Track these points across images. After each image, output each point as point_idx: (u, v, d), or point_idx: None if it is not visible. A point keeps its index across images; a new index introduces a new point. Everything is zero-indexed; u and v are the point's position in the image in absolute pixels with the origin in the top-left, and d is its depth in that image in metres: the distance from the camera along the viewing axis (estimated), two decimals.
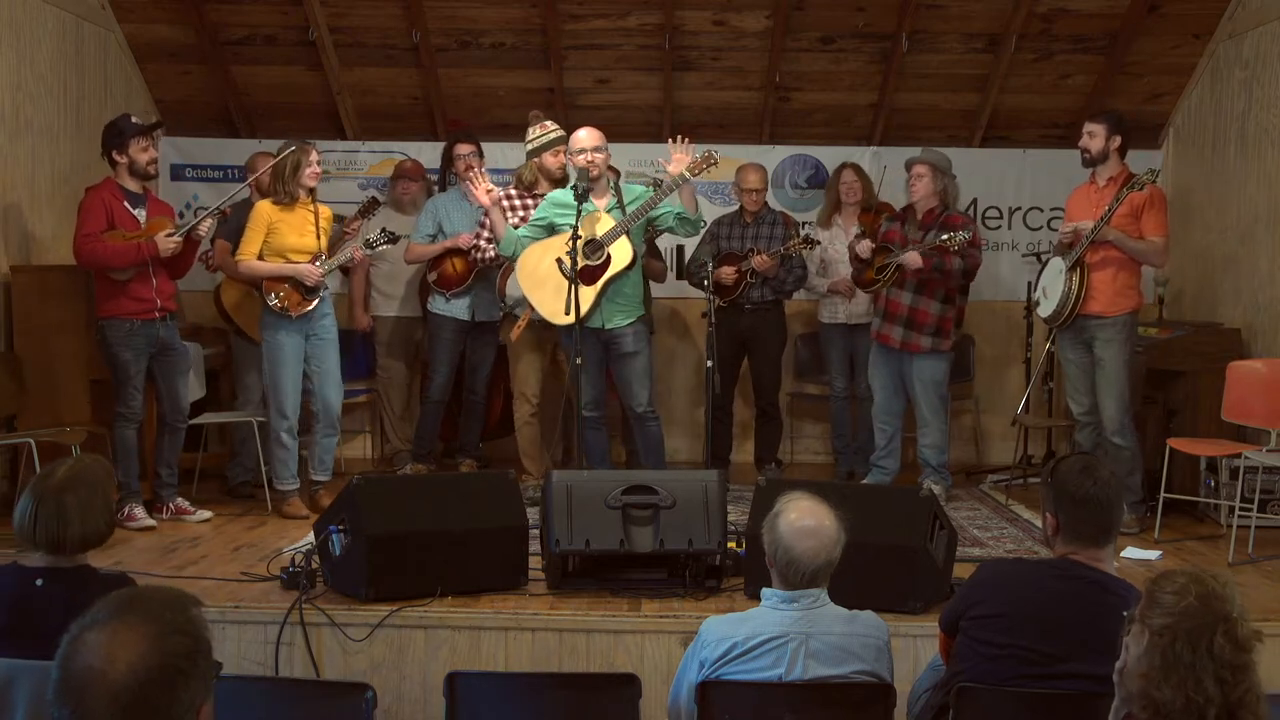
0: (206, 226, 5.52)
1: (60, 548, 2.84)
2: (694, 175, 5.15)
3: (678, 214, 5.22)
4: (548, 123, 5.79)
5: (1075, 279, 5.37)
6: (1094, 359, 5.43)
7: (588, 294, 5.12)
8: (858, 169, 6.64)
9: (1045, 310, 5.59)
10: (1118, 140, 5.39)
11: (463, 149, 6.35)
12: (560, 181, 5.73)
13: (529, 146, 5.78)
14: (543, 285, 5.27)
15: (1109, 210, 5.27)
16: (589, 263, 5.17)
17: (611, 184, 5.40)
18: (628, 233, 5.20)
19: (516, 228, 5.58)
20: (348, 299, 6.77)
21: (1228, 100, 6.52)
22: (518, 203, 5.82)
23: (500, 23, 6.78)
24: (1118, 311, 5.37)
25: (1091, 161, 5.44)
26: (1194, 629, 1.82)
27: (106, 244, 5.17)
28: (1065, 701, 2.59)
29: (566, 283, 5.06)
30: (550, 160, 5.73)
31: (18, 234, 5.82)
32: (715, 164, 5.17)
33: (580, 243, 5.05)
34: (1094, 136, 5.40)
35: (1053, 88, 7.08)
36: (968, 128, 7.28)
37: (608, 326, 5.29)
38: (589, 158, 5.23)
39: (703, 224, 5.49)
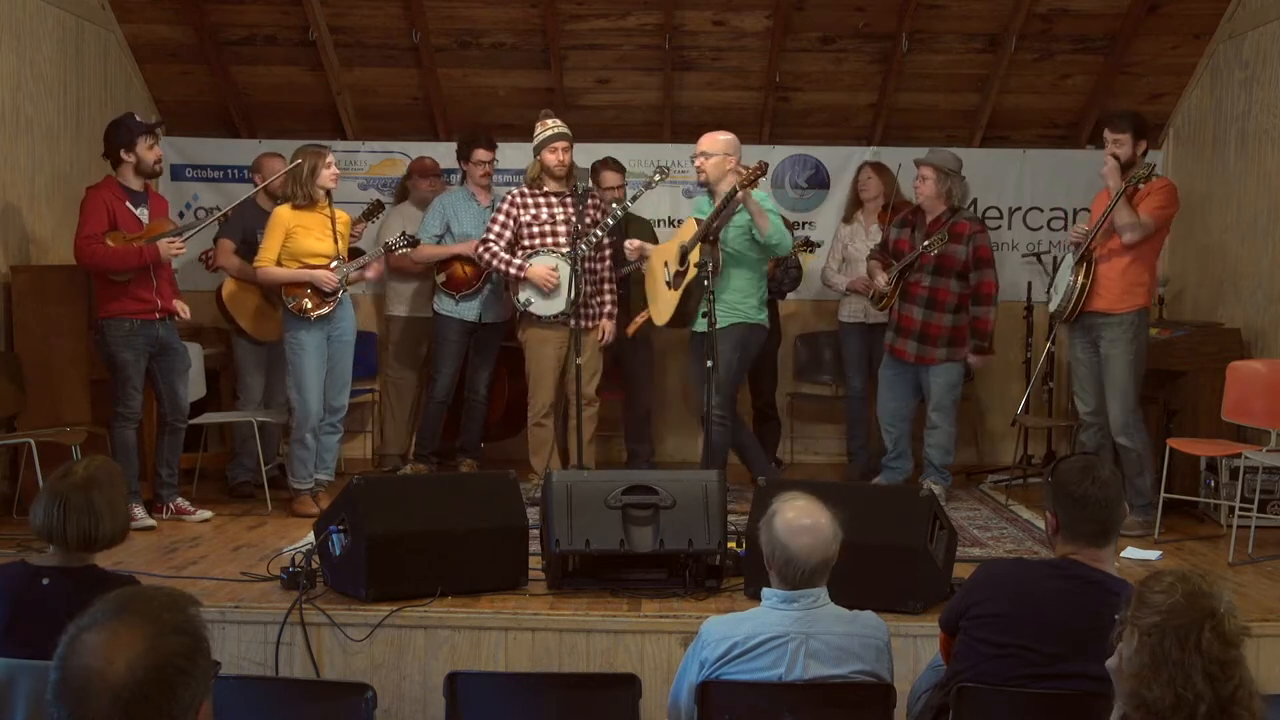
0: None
1: (91, 544, 2.86)
2: (746, 186, 5.19)
3: (739, 228, 5.40)
4: (549, 120, 5.82)
5: (1081, 273, 5.35)
6: (1100, 357, 5.40)
7: (672, 298, 5.44)
8: (877, 167, 6.64)
9: (1053, 305, 5.58)
10: (1143, 144, 5.35)
11: (483, 155, 6.37)
12: (562, 178, 5.78)
13: (533, 145, 5.84)
14: (654, 287, 5.66)
15: (1109, 207, 5.26)
16: (679, 269, 5.49)
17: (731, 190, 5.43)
18: (706, 239, 5.33)
19: (529, 225, 5.77)
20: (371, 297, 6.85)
21: (1228, 100, 6.52)
22: (529, 200, 5.84)
23: (500, 23, 6.78)
24: (1124, 309, 5.31)
25: (1123, 168, 5.33)
26: (1181, 626, 1.82)
27: (108, 246, 5.17)
28: (1065, 701, 2.59)
29: (665, 287, 5.45)
30: (549, 157, 5.77)
31: (17, 234, 5.82)
32: (764, 173, 5.27)
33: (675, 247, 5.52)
34: (1121, 145, 5.31)
35: (1053, 88, 7.08)
36: (967, 128, 7.28)
37: (703, 331, 5.42)
38: (698, 164, 5.52)
39: (779, 247, 5.47)
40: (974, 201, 7.25)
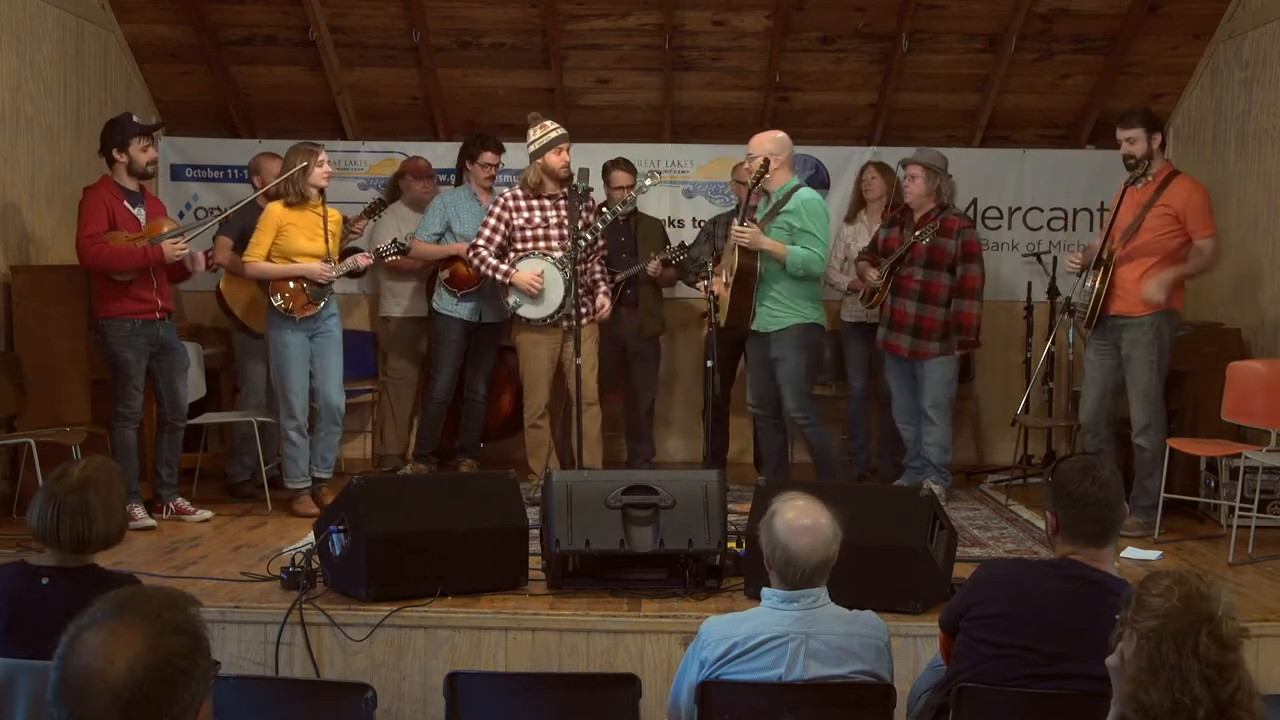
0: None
1: (85, 546, 2.86)
2: (742, 230, 5.45)
3: (780, 229, 5.52)
4: (547, 123, 5.79)
5: (1098, 278, 5.32)
6: (1121, 359, 5.35)
7: (726, 299, 5.60)
8: (881, 167, 6.65)
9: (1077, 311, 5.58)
10: (1158, 138, 5.30)
11: (491, 158, 6.37)
12: (565, 180, 5.74)
13: (531, 149, 5.77)
14: (723, 291, 5.71)
15: (1139, 217, 5.25)
16: (731, 275, 5.63)
17: (780, 190, 5.54)
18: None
19: (522, 229, 5.72)
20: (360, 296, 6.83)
21: (1228, 100, 6.52)
22: (523, 204, 5.79)
23: (500, 23, 6.78)
24: (1145, 311, 5.26)
25: (1138, 164, 5.29)
26: (1178, 630, 1.82)
27: (112, 246, 5.17)
28: (1065, 701, 2.59)
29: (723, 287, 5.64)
30: (554, 159, 5.71)
31: (17, 234, 5.82)
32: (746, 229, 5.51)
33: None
34: (1134, 142, 5.27)
35: (1053, 88, 7.08)
36: (968, 128, 7.28)
37: (760, 330, 5.59)
38: (746, 166, 5.65)
39: (802, 270, 5.51)
40: (974, 202, 7.27)
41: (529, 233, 5.76)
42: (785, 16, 6.61)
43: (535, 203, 5.79)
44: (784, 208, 5.53)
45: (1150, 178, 5.29)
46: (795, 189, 5.60)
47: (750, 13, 6.67)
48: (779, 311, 5.58)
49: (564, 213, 5.74)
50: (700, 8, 6.66)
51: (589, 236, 5.64)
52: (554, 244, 5.73)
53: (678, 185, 7.29)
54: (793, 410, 5.63)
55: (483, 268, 5.79)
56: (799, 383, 5.61)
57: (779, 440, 5.95)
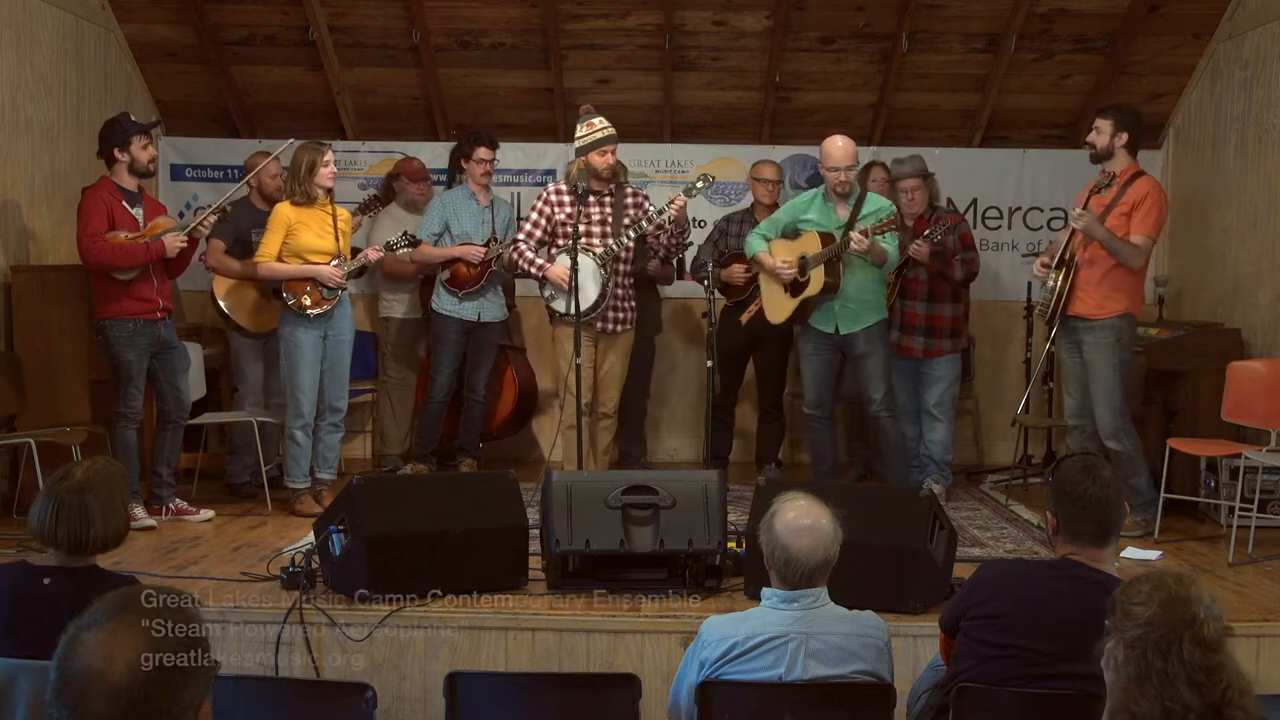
0: (208, 225, 5.54)
1: (82, 548, 2.86)
2: (876, 233, 5.41)
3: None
4: (595, 120, 5.59)
5: (1060, 276, 5.32)
6: (1084, 361, 5.36)
7: (789, 304, 5.64)
8: (885, 167, 6.61)
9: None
10: (1124, 137, 5.26)
11: (485, 154, 6.35)
12: (607, 180, 5.63)
13: (577, 144, 5.63)
14: (770, 285, 5.77)
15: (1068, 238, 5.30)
16: (801, 279, 5.59)
17: (855, 195, 5.60)
18: (833, 259, 5.48)
19: (564, 224, 5.61)
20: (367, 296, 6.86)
21: (1228, 100, 6.52)
22: (566, 199, 5.67)
23: (500, 23, 6.78)
24: (1105, 314, 5.23)
25: (1097, 157, 5.33)
26: (1161, 638, 1.81)
27: (114, 244, 5.17)
28: (1065, 701, 2.60)
29: (782, 288, 5.65)
30: (597, 160, 5.54)
31: (17, 234, 5.82)
32: (895, 227, 5.48)
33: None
34: (1100, 132, 5.30)
35: (1053, 88, 7.08)
36: (968, 128, 7.28)
37: (842, 332, 5.60)
38: (841, 178, 5.55)
39: (890, 265, 5.63)
40: (974, 202, 7.28)
41: (569, 228, 5.64)
42: (785, 16, 6.61)
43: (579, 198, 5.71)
44: (865, 210, 5.58)
45: (1114, 187, 5.27)
46: (864, 192, 5.72)
47: (750, 13, 6.67)
48: (863, 311, 5.61)
49: (607, 209, 5.66)
50: (700, 8, 6.66)
51: (632, 235, 5.53)
52: (594, 240, 5.59)
53: (678, 185, 7.28)
54: (878, 403, 5.66)
55: (520, 261, 5.72)
56: (887, 375, 5.67)
57: (833, 440, 6.01)
